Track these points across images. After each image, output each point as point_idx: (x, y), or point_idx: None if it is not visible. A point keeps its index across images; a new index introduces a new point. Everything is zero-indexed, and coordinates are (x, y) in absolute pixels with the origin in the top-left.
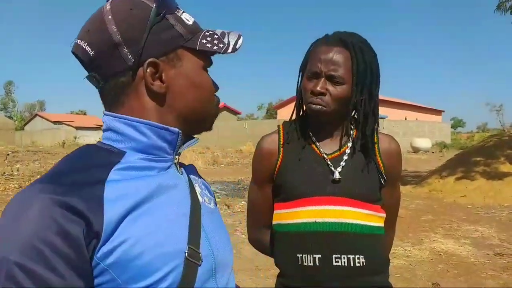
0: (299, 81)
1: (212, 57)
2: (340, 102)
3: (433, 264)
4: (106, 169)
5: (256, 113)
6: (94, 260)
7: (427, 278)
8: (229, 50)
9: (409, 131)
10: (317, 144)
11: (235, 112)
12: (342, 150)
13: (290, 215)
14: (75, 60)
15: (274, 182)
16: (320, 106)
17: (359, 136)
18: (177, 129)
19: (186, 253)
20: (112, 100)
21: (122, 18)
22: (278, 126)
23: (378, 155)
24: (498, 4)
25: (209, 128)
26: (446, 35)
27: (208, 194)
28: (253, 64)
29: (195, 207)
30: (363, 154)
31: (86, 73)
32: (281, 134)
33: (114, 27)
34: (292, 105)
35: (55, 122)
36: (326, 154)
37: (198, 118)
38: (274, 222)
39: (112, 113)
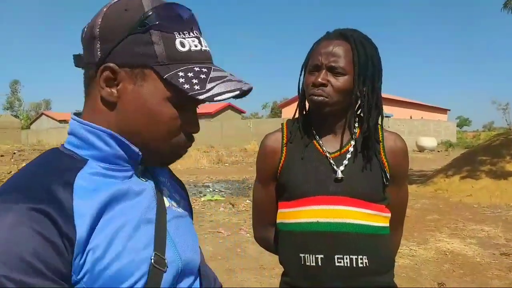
0: (301, 79)
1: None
2: (342, 93)
3: (439, 264)
4: (72, 173)
5: (261, 112)
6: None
7: (433, 277)
8: (201, 97)
9: (415, 130)
10: (320, 142)
11: (239, 111)
12: (345, 148)
13: (292, 214)
14: None
15: (277, 180)
16: (322, 97)
17: (362, 131)
18: (137, 150)
19: (152, 260)
20: (85, 88)
21: (111, 15)
22: (282, 125)
23: (383, 153)
24: (505, 2)
25: (162, 164)
26: (452, 33)
27: (178, 198)
28: (258, 63)
29: (161, 213)
30: (367, 153)
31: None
32: (285, 133)
33: (100, 20)
34: (297, 103)
35: (60, 121)
36: (329, 152)
37: (145, 147)
38: (277, 220)
39: (78, 118)
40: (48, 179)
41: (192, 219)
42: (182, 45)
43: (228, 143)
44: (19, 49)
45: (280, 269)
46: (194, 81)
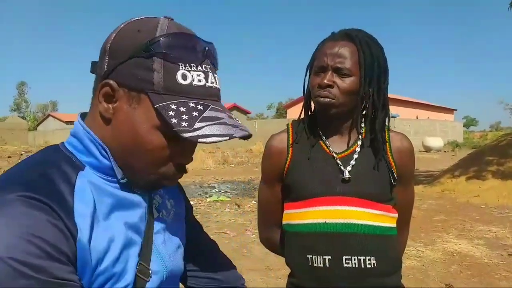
0: (307, 80)
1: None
2: (348, 94)
3: (446, 265)
4: (73, 174)
5: (266, 113)
6: None
7: (440, 279)
8: (185, 135)
9: (421, 130)
10: (327, 143)
11: (245, 112)
12: (352, 148)
13: (299, 215)
14: (86, 61)
15: (283, 181)
16: (328, 99)
17: (368, 132)
18: (120, 175)
19: (137, 269)
20: (92, 95)
21: (124, 33)
22: (287, 125)
23: (389, 154)
24: (511, 2)
25: (147, 189)
26: (459, 32)
27: (169, 205)
28: (263, 64)
29: (149, 225)
30: (374, 153)
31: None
32: (290, 133)
33: (113, 36)
34: (302, 104)
35: (67, 122)
36: (335, 153)
37: (131, 170)
38: (284, 222)
39: (83, 124)
40: (49, 172)
41: (189, 216)
42: (184, 77)
43: (234, 144)
44: (26, 51)
45: (286, 270)
46: (184, 117)
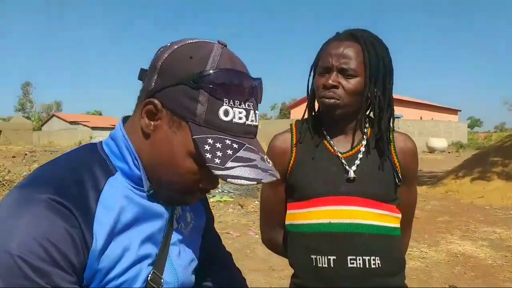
0: (311, 80)
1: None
2: (353, 95)
3: (450, 266)
4: (103, 179)
5: (269, 113)
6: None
7: (444, 280)
8: (216, 172)
9: (425, 131)
10: (331, 142)
11: None
12: (356, 148)
13: (303, 215)
14: (90, 62)
15: (286, 181)
16: (334, 100)
17: (374, 133)
18: (147, 187)
19: (149, 278)
20: (137, 101)
21: (177, 56)
22: (291, 125)
23: (394, 154)
24: None
25: (168, 204)
26: (463, 33)
27: (189, 217)
28: (266, 64)
29: (168, 234)
30: (378, 153)
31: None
32: (294, 133)
33: (166, 56)
34: (306, 104)
35: (71, 123)
36: (340, 152)
37: (159, 185)
38: (287, 222)
39: (123, 130)
40: (82, 176)
41: (209, 227)
42: (226, 113)
43: None
44: (31, 51)
45: (289, 271)
46: (218, 153)
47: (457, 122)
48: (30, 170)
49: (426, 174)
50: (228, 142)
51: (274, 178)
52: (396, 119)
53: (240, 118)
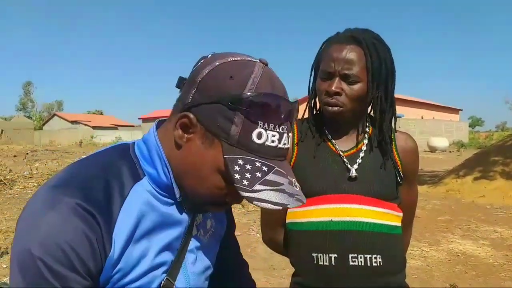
0: (311, 80)
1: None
2: (356, 100)
3: (451, 265)
4: (129, 184)
5: None
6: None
7: (445, 279)
8: (242, 193)
9: (426, 130)
10: (333, 141)
11: None
12: (358, 147)
13: (304, 214)
14: (91, 62)
15: None
16: (337, 107)
17: (375, 133)
18: (179, 194)
19: (162, 284)
20: (173, 108)
21: (217, 73)
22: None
23: (395, 153)
24: None
25: (193, 211)
26: (464, 32)
27: (208, 226)
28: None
29: (186, 240)
30: (380, 152)
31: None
32: (295, 132)
33: (206, 71)
34: (306, 103)
35: (72, 122)
36: (342, 151)
37: (186, 194)
38: (288, 220)
39: (157, 136)
40: (110, 182)
41: (229, 234)
42: (259, 136)
43: None
44: (32, 51)
45: (290, 270)
46: (247, 175)
47: (459, 122)
48: (31, 170)
49: (427, 174)
50: (258, 164)
51: (300, 203)
52: (397, 119)
53: (273, 141)
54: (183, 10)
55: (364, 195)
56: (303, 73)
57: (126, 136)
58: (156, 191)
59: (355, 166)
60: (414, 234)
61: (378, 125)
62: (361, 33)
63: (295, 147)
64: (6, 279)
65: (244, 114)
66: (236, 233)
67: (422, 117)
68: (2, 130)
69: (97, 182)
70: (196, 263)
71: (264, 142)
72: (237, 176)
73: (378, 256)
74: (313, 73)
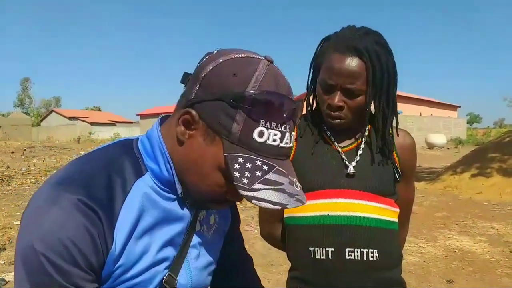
0: (310, 77)
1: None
2: (358, 111)
3: (448, 261)
4: (131, 180)
5: None
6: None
7: (442, 275)
8: (241, 192)
9: (424, 127)
10: (332, 137)
11: None
12: (356, 143)
13: (302, 208)
14: (89, 58)
15: None
16: (339, 120)
17: (374, 130)
18: (180, 190)
19: (164, 280)
20: (177, 104)
21: (221, 70)
22: None
23: (393, 149)
24: None
25: (193, 207)
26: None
27: (211, 221)
28: None
29: (189, 236)
30: (378, 148)
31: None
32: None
33: (210, 68)
34: (304, 100)
35: (70, 118)
36: (340, 147)
37: (187, 190)
38: (285, 215)
39: (160, 132)
40: (112, 178)
41: (234, 228)
42: (261, 135)
43: None
44: (30, 47)
45: (287, 266)
46: (247, 174)
47: (456, 118)
48: (29, 166)
49: (425, 170)
50: (258, 163)
51: (300, 204)
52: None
53: (274, 140)
54: (181, 6)
55: (361, 190)
56: (302, 70)
57: (124, 133)
58: (158, 186)
59: (353, 163)
60: (411, 230)
61: (380, 135)
62: (362, 41)
63: (294, 143)
64: (4, 275)
65: (246, 112)
66: None
67: (420, 114)
68: (0, 127)
69: (99, 178)
70: (199, 259)
71: (266, 140)
72: (236, 174)
73: (374, 250)
74: (311, 69)
